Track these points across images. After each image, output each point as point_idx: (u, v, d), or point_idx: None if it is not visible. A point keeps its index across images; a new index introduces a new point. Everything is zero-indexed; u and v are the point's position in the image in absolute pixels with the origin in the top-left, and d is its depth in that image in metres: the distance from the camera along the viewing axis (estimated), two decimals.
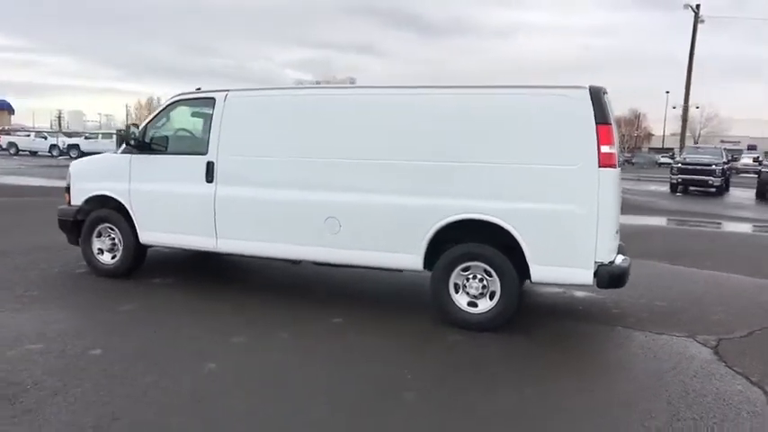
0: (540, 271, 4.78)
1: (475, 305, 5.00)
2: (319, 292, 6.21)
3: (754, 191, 21.38)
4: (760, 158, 31.19)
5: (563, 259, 4.72)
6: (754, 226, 14.05)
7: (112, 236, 6.35)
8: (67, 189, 6.58)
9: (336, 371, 4.10)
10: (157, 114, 6.15)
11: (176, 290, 6.02)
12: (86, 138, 36.75)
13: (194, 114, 6.38)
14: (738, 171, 31.40)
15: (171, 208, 5.96)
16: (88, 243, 6.43)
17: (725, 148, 27.10)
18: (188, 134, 6.38)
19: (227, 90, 5.84)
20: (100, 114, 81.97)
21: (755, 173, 25.77)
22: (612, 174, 4.63)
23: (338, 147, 5.30)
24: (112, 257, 6.37)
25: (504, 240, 4.87)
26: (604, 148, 4.59)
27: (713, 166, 20.34)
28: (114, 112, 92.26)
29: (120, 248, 6.30)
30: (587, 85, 4.72)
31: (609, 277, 4.65)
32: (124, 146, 6.20)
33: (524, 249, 4.77)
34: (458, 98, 5.05)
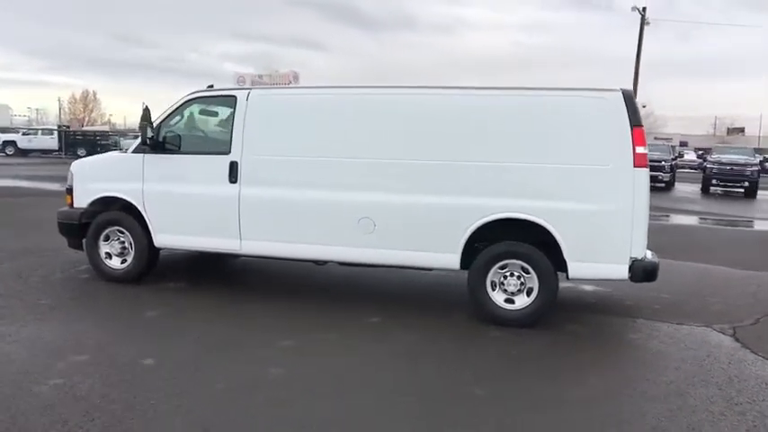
0: (578, 267, 4.96)
1: (512, 302, 5.13)
2: (345, 292, 6.19)
3: (699, 186, 22.77)
4: (704, 155, 33.15)
5: (600, 256, 4.92)
6: (711, 220, 14.98)
7: (122, 239, 6.08)
8: (69, 190, 6.24)
9: (397, 370, 4.12)
10: (171, 113, 5.92)
11: (194, 294, 5.84)
12: (24, 134, 34.61)
13: (212, 113, 6.20)
14: (680, 167, 33.26)
15: (190, 209, 5.77)
16: (95, 247, 6.12)
17: (672, 145, 28.61)
18: (207, 133, 6.19)
19: (249, 88, 5.73)
20: (29, 108, 77.05)
21: (699, 168, 27.31)
22: (646, 173, 4.86)
23: (374, 147, 5.29)
24: (122, 262, 6.10)
25: (540, 238, 5.02)
26: (639, 149, 4.81)
27: (663, 162, 21.46)
28: (45, 106, 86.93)
29: (132, 252, 6.04)
30: (620, 88, 4.93)
31: (643, 272, 4.88)
32: (136, 145, 5.94)
33: (562, 247, 4.93)
34: (495, 99, 5.15)
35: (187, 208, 5.78)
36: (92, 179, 6.15)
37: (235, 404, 3.48)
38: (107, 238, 6.13)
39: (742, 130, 71.04)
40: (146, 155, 5.87)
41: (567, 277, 5.08)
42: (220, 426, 3.22)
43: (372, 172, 5.29)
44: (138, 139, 5.96)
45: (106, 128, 51.97)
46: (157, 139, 5.78)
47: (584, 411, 3.55)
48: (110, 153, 7.15)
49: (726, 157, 21.15)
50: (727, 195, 21.21)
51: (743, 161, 20.89)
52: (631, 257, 4.88)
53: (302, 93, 5.62)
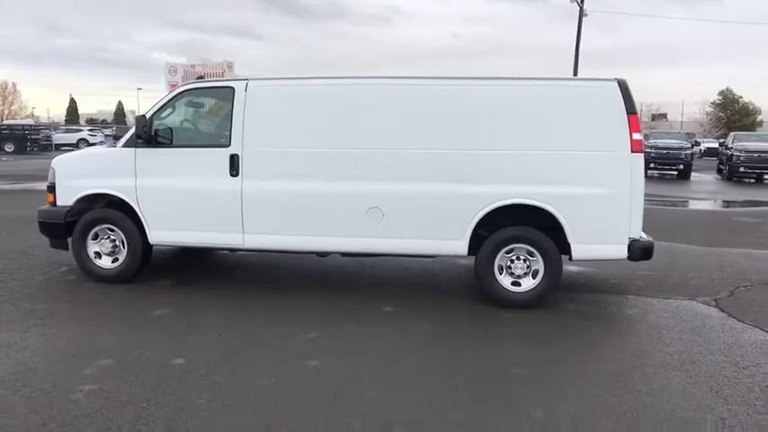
0: (581, 249, 5.20)
1: (518, 284, 5.33)
2: (348, 283, 6.19)
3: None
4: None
5: (601, 237, 5.18)
6: (657, 200, 15.90)
7: (113, 237, 5.82)
8: (51, 188, 5.90)
9: (430, 355, 4.22)
10: (163, 105, 5.69)
11: (195, 291, 5.68)
12: None
13: (208, 105, 6.01)
14: None
15: (188, 204, 5.60)
16: (83, 247, 5.84)
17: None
18: (204, 126, 6.00)
19: (246, 79, 5.59)
20: None
21: None
22: (641, 158, 5.15)
23: (379, 136, 5.31)
24: (113, 261, 5.85)
25: (544, 222, 5.23)
26: (635, 135, 5.09)
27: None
28: None
29: (124, 251, 5.80)
30: (615, 78, 5.18)
31: (641, 251, 5.18)
32: (126, 139, 5.69)
33: (566, 230, 5.16)
34: (498, 89, 5.28)
35: (184, 203, 5.60)
36: (77, 176, 5.84)
37: (287, 398, 3.46)
38: (96, 237, 5.86)
39: (665, 115, 75.36)
40: (137, 149, 5.63)
41: (570, 259, 5.32)
42: (283, 421, 3.21)
43: (380, 162, 5.32)
44: (128, 134, 5.72)
45: (30, 121, 48.72)
46: (150, 133, 5.56)
47: (618, 384, 3.76)
48: (94, 148, 6.81)
49: (662, 142, 22.35)
50: (662, 178, 22.53)
51: (677, 145, 22.17)
52: (630, 237, 5.18)
53: (304, 83, 5.53)
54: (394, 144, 5.30)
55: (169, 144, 5.61)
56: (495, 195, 5.19)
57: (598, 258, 5.39)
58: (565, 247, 5.25)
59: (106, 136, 42.58)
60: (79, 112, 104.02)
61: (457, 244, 5.32)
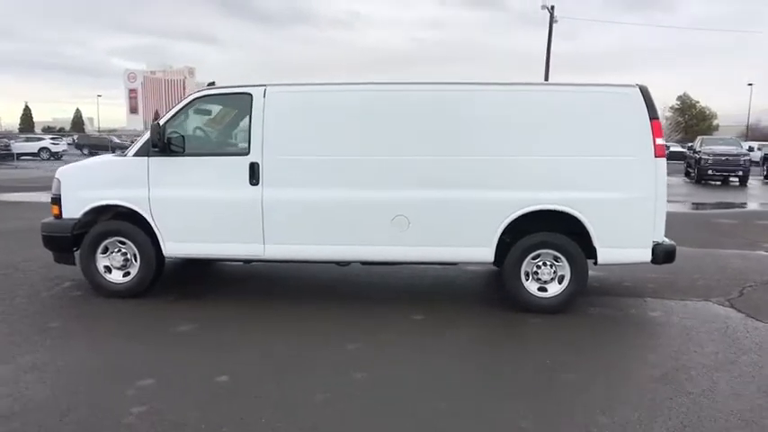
0: (606, 253, 5.25)
1: (544, 290, 5.35)
2: (364, 292, 6.10)
3: None
4: None
5: (626, 241, 5.24)
6: None
7: (124, 251, 5.59)
8: (56, 200, 5.62)
9: (476, 364, 4.18)
10: (177, 112, 5.50)
11: (213, 305, 5.48)
12: None
13: (224, 112, 5.84)
14: None
15: (204, 215, 5.42)
16: (92, 261, 5.59)
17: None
18: (220, 134, 5.83)
19: (264, 85, 5.44)
20: None
21: None
22: (664, 163, 5.24)
23: (405, 142, 5.26)
24: (124, 275, 5.61)
25: (569, 227, 5.27)
26: (658, 140, 5.18)
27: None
28: None
29: (137, 264, 5.57)
30: (636, 84, 5.27)
31: (665, 254, 5.27)
32: (138, 147, 5.47)
33: (592, 235, 5.20)
34: (523, 95, 5.29)
35: (201, 214, 5.42)
36: (85, 186, 5.58)
37: (351, 413, 3.36)
38: (105, 251, 5.61)
39: None
40: (150, 158, 5.42)
41: (595, 263, 5.36)
42: None
43: (405, 168, 5.26)
44: (140, 142, 5.50)
45: None
46: (164, 142, 5.36)
47: (668, 387, 3.79)
48: (102, 157, 6.50)
49: None
50: None
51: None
52: (654, 241, 5.26)
53: (325, 89, 5.43)
54: (420, 150, 5.25)
55: (184, 153, 5.42)
56: (522, 201, 5.20)
57: (623, 262, 5.44)
58: (589, 252, 5.30)
59: (68, 144, 41.28)
60: (34, 120, 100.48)
61: (484, 251, 5.30)
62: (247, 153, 5.36)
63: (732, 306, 5.70)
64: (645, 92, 5.22)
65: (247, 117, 5.41)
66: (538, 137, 5.22)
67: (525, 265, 5.33)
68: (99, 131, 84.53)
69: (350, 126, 5.33)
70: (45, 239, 5.69)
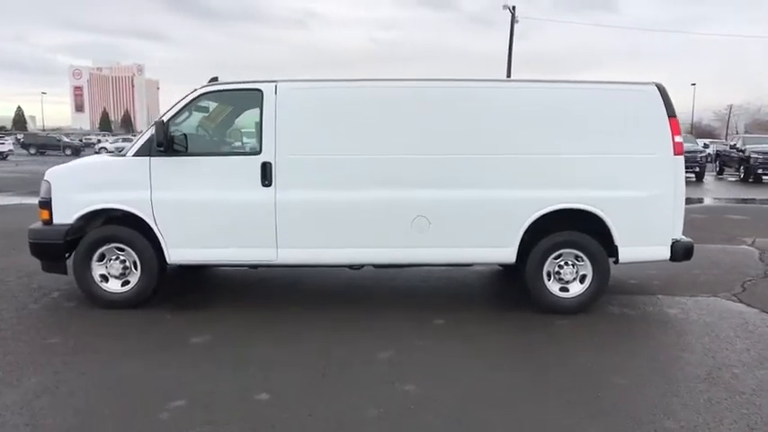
0: (627, 252, 5.22)
1: (566, 290, 5.27)
2: (374, 295, 5.89)
3: None
4: None
5: (646, 239, 5.23)
6: None
7: (122, 258, 5.19)
8: (45, 204, 5.16)
9: (519, 370, 4.04)
10: (181, 109, 5.14)
11: (215, 315, 5.11)
12: None
13: (231, 109, 5.50)
14: None
15: (212, 219, 5.09)
16: (87, 269, 5.16)
17: None
18: (228, 132, 5.48)
19: (275, 80, 5.16)
20: None
21: None
22: (682, 160, 5.25)
23: (425, 141, 5.08)
24: (123, 284, 5.21)
25: (590, 226, 5.21)
26: (677, 138, 5.18)
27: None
28: None
29: (137, 273, 5.18)
30: (654, 82, 5.26)
31: (684, 251, 5.28)
32: (138, 147, 5.09)
33: (614, 233, 5.16)
34: (545, 92, 5.19)
35: (209, 217, 5.09)
36: (79, 189, 5.14)
37: (410, 428, 3.15)
38: (101, 258, 5.20)
39: None
40: (152, 158, 5.05)
41: (616, 262, 5.33)
42: None
43: (426, 168, 5.08)
44: (140, 141, 5.12)
45: None
46: (168, 141, 4.99)
47: (718, 387, 3.75)
48: (96, 157, 6.01)
49: None
50: None
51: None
52: (672, 239, 5.26)
53: (340, 85, 5.18)
54: (440, 149, 5.08)
55: (190, 152, 5.07)
56: (545, 200, 5.10)
57: (643, 260, 5.43)
58: (609, 251, 5.26)
59: (13, 143, 39.16)
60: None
61: (506, 251, 5.19)
62: (258, 152, 5.06)
63: (741, 301, 5.79)
64: (662, 90, 5.21)
65: (257, 114, 5.11)
66: (559, 135, 5.13)
67: (547, 265, 5.24)
68: (44, 130, 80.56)
69: (368, 124, 5.10)
70: (34, 247, 5.23)
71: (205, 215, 5.09)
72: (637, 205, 5.17)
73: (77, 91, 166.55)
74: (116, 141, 42.35)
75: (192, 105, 5.21)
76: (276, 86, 5.11)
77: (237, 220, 5.09)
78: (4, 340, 4.38)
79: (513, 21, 29.56)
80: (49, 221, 5.16)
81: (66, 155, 39.38)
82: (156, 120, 4.97)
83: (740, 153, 21.92)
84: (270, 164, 5.04)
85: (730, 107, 71.73)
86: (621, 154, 5.16)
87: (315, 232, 5.12)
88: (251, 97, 5.18)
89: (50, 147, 42.26)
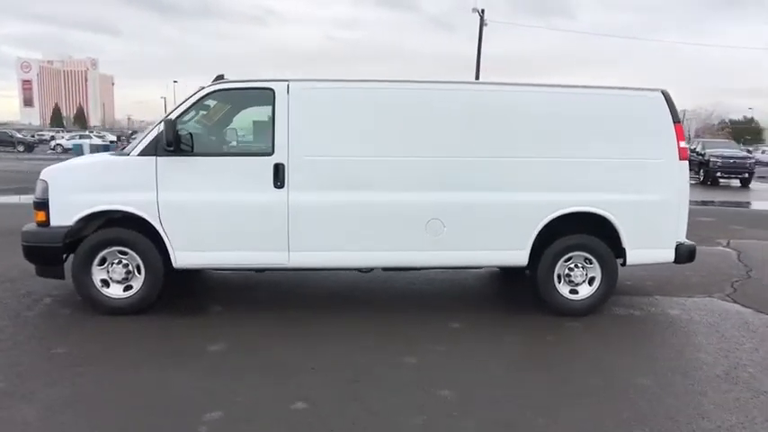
0: (634, 255, 5.33)
1: (575, 292, 5.34)
2: (380, 299, 5.81)
3: None
4: None
5: (652, 242, 5.35)
6: None
7: (125, 262, 4.96)
8: (41, 204, 4.89)
9: (546, 374, 4.06)
10: (189, 107, 4.95)
11: (221, 320, 4.99)
12: None
13: (241, 108, 5.33)
14: None
15: (222, 221, 4.93)
16: (87, 274, 4.92)
17: None
18: (239, 132, 5.31)
19: (286, 80, 5.03)
20: None
21: None
22: (687, 165, 5.39)
23: (438, 143, 5.05)
24: (125, 289, 4.99)
25: (599, 229, 5.30)
26: (682, 144, 5.32)
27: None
28: None
29: (140, 277, 4.97)
30: (660, 89, 5.39)
31: (687, 254, 5.42)
32: (144, 146, 4.87)
33: (622, 236, 5.26)
34: (556, 97, 5.22)
35: (218, 220, 4.92)
36: (78, 189, 4.88)
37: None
38: (102, 262, 4.96)
39: None
40: (159, 158, 4.85)
41: (623, 264, 5.43)
42: None
43: (441, 171, 5.06)
44: (145, 140, 4.91)
45: None
46: (175, 140, 4.80)
47: (739, 387, 3.86)
48: (96, 156, 5.71)
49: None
50: None
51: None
52: (677, 241, 5.40)
53: (354, 86, 5.08)
54: (455, 151, 5.06)
55: (198, 152, 4.90)
56: (557, 203, 5.16)
57: (649, 263, 5.55)
58: (619, 253, 5.35)
59: None
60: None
61: (519, 254, 5.21)
62: (271, 153, 4.93)
63: (735, 301, 5.99)
64: (667, 96, 5.35)
65: (270, 114, 4.97)
66: (572, 139, 5.19)
67: (558, 268, 5.30)
68: None
69: (381, 125, 5.04)
70: (28, 250, 4.94)
71: (214, 217, 4.92)
72: (644, 209, 5.28)
73: (26, 84, 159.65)
74: (73, 138, 40.80)
75: (199, 104, 5.03)
76: (288, 86, 4.99)
77: (248, 222, 4.94)
78: (7, 351, 4.12)
79: (482, 24, 29.94)
80: (45, 223, 4.89)
81: (20, 151, 37.69)
82: (165, 118, 4.77)
83: (700, 157, 22.80)
84: (282, 165, 4.91)
85: (684, 112, 74.62)
86: (630, 158, 5.25)
87: (328, 235, 5.02)
88: (262, 96, 5.04)
89: (2, 142, 40.34)
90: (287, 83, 5.01)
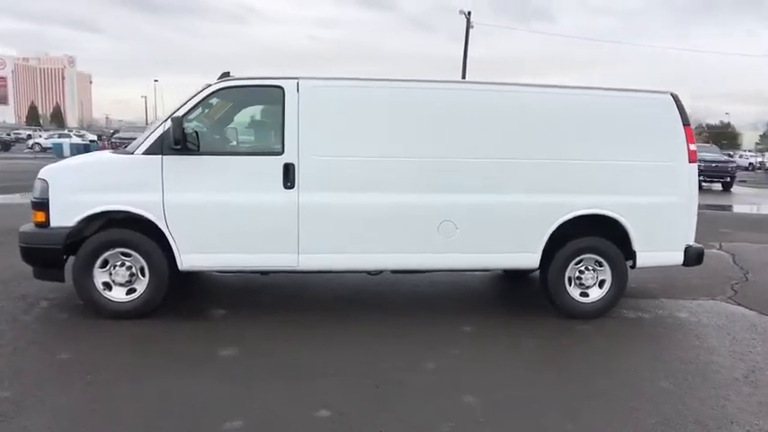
0: (644, 257, 5.32)
1: (586, 295, 5.32)
2: (388, 301, 5.73)
3: None
4: None
5: (662, 245, 5.34)
6: None
7: (128, 264, 4.80)
8: (41, 204, 4.70)
9: (567, 377, 4.01)
10: (195, 105, 4.81)
11: (226, 324, 4.86)
12: None
13: (249, 106, 5.20)
14: None
15: (231, 222, 4.79)
16: (89, 277, 4.75)
17: None
18: (249, 130, 5.17)
19: (296, 77, 4.92)
20: None
21: None
22: (696, 168, 5.40)
23: (451, 144, 4.99)
24: (128, 292, 4.82)
25: (609, 232, 5.28)
26: (691, 146, 5.33)
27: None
28: None
29: (144, 280, 4.81)
30: (669, 91, 5.39)
31: (696, 256, 5.43)
32: (149, 144, 4.72)
33: (632, 239, 5.24)
34: (570, 98, 5.19)
35: (226, 221, 4.79)
36: (80, 189, 4.71)
37: None
38: (104, 264, 4.79)
39: None
40: (165, 157, 4.70)
41: (633, 267, 5.42)
42: None
43: (454, 172, 4.99)
44: (150, 138, 4.75)
45: None
46: (183, 138, 4.65)
47: (757, 387, 3.86)
48: (98, 155, 5.49)
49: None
50: None
51: None
52: (686, 244, 5.41)
53: (367, 84, 4.98)
54: (469, 153, 5.00)
55: (205, 151, 4.76)
56: (569, 206, 5.12)
57: (659, 265, 5.54)
58: (629, 256, 5.34)
59: None
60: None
61: (531, 257, 5.17)
62: (281, 153, 4.81)
63: (739, 303, 6.03)
64: (677, 99, 5.35)
65: (280, 113, 4.85)
66: (585, 140, 5.16)
67: (569, 271, 5.26)
68: None
69: (393, 125, 4.95)
70: (26, 252, 4.75)
71: (222, 218, 4.78)
72: (655, 212, 5.27)
73: (1, 82, 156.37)
74: (51, 137, 39.94)
75: (206, 102, 4.89)
76: (298, 83, 4.87)
77: (257, 223, 4.82)
78: (9, 357, 3.94)
79: (469, 26, 30.05)
80: (45, 224, 4.70)
81: None
82: (172, 116, 4.62)
83: None
84: (293, 165, 4.80)
85: None
86: (641, 161, 5.24)
87: (339, 237, 4.92)
88: (270, 94, 4.92)
89: None
90: (296, 80, 4.89)
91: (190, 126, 4.76)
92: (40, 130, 50.29)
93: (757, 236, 10.77)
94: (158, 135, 4.72)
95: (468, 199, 5.01)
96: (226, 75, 5.12)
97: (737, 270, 7.71)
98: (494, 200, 5.03)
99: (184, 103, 4.83)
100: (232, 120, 5.23)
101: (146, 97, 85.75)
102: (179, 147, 4.57)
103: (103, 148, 35.41)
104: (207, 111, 4.97)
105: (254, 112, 5.36)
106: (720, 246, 9.55)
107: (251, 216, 4.81)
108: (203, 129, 4.89)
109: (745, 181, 30.17)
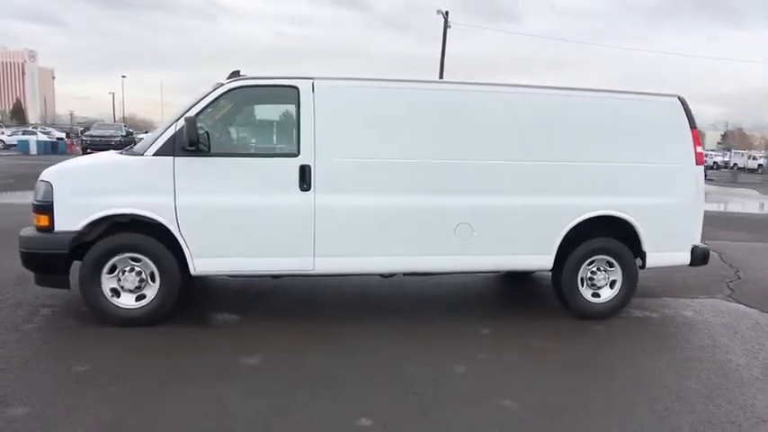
0: (653, 258, 5.39)
1: (597, 296, 5.36)
2: (397, 303, 5.67)
3: None
4: None
5: (670, 245, 5.43)
6: None
7: (138, 269, 4.62)
8: (44, 208, 4.48)
9: (587, 377, 4.03)
10: (207, 105, 4.66)
11: (239, 328, 4.73)
12: None
13: (263, 106, 5.06)
14: None
15: (245, 226, 4.66)
16: (97, 283, 4.56)
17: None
18: (262, 131, 5.02)
19: (311, 77, 4.81)
20: None
21: None
22: (702, 170, 5.50)
23: (468, 146, 4.96)
24: (138, 299, 4.64)
25: (619, 233, 5.33)
26: (698, 149, 5.43)
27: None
28: None
29: (155, 285, 4.64)
30: (676, 94, 5.47)
31: (702, 256, 5.54)
32: (160, 145, 4.55)
33: (643, 240, 5.31)
34: (582, 100, 5.21)
35: (241, 224, 4.65)
36: (87, 192, 4.50)
37: None
38: (112, 270, 4.60)
39: None
40: (177, 158, 4.53)
41: (642, 267, 5.48)
42: None
43: (471, 174, 4.96)
44: (160, 139, 4.58)
45: None
46: (195, 140, 4.49)
47: (753, 379, 3.96)
48: (105, 155, 5.24)
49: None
50: None
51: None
52: (692, 244, 5.51)
53: (384, 85, 4.90)
54: (487, 155, 4.98)
55: (218, 152, 4.61)
56: (583, 207, 5.15)
57: (667, 265, 5.63)
58: (639, 256, 5.40)
59: None
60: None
61: (545, 258, 5.18)
62: (297, 154, 4.70)
63: (738, 301, 6.18)
64: (684, 102, 5.44)
65: (295, 113, 4.74)
66: (597, 142, 5.20)
67: (582, 272, 5.30)
68: None
69: (414, 127, 4.89)
70: (29, 257, 4.53)
71: (236, 222, 4.65)
72: (665, 212, 5.35)
73: None
74: (15, 133, 38.51)
75: (218, 101, 4.74)
76: (313, 83, 4.77)
77: (272, 226, 4.70)
78: (18, 371, 3.72)
79: (446, 26, 30.19)
80: (49, 228, 4.49)
81: None
82: (186, 116, 4.46)
83: None
84: (309, 167, 4.69)
85: None
86: (651, 163, 5.31)
87: (355, 240, 4.84)
88: (285, 94, 4.80)
89: None
90: (312, 81, 4.79)
91: (201, 126, 4.61)
92: (2, 127, 48.43)
93: (735, 234, 11.07)
94: (170, 135, 4.55)
95: (486, 201, 4.99)
96: (236, 74, 4.97)
97: (728, 268, 7.91)
98: (510, 202, 5.03)
99: (196, 103, 4.67)
100: (246, 120, 5.10)
101: (113, 93, 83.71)
102: (192, 148, 4.42)
103: (71, 146, 34.33)
104: (220, 111, 4.82)
105: (268, 112, 5.22)
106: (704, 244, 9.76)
107: (266, 219, 4.69)
108: (216, 129, 4.74)
109: (711, 180, 31.08)
